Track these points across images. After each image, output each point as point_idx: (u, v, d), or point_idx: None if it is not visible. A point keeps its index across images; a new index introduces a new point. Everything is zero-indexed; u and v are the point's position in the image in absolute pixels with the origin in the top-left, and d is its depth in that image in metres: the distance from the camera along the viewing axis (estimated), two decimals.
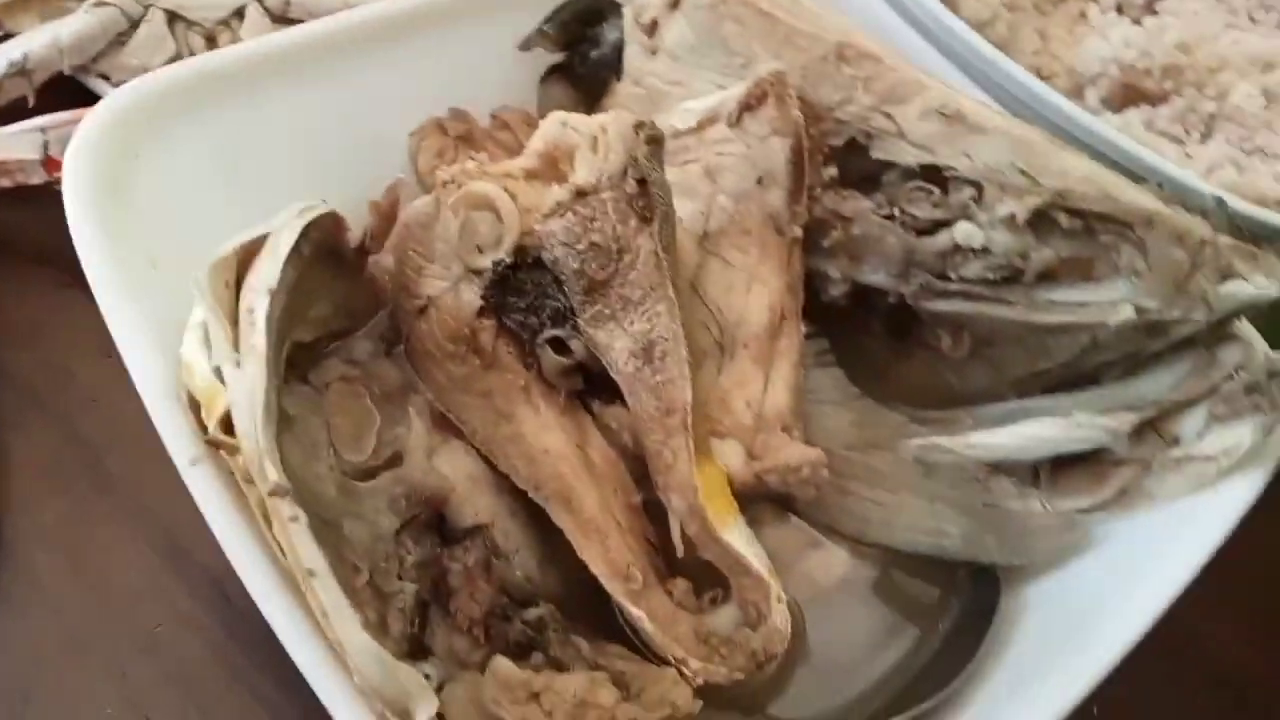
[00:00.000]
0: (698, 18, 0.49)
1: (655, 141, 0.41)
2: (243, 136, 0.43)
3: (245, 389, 0.27)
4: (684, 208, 0.46)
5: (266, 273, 0.30)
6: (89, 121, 0.38)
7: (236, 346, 0.28)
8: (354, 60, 0.47)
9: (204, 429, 0.31)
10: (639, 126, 0.41)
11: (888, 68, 0.45)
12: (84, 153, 0.37)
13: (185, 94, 0.41)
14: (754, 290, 0.44)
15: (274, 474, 0.27)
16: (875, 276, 0.46)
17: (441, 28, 0.50)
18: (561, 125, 0.42)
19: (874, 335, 0.49)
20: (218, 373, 0.28)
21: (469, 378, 0.41)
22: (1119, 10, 0.62)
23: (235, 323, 0.30)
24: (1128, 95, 0.56)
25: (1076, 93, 0.56)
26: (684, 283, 0.43)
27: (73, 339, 0.55)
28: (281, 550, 0.28)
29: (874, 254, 0.45)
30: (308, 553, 0.27)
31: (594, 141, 0.41)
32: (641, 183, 0.40)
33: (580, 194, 0.40)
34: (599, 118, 0.42)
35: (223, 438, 0.28)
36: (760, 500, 0.42)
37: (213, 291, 0.29)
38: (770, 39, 0.47)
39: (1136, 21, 0.60)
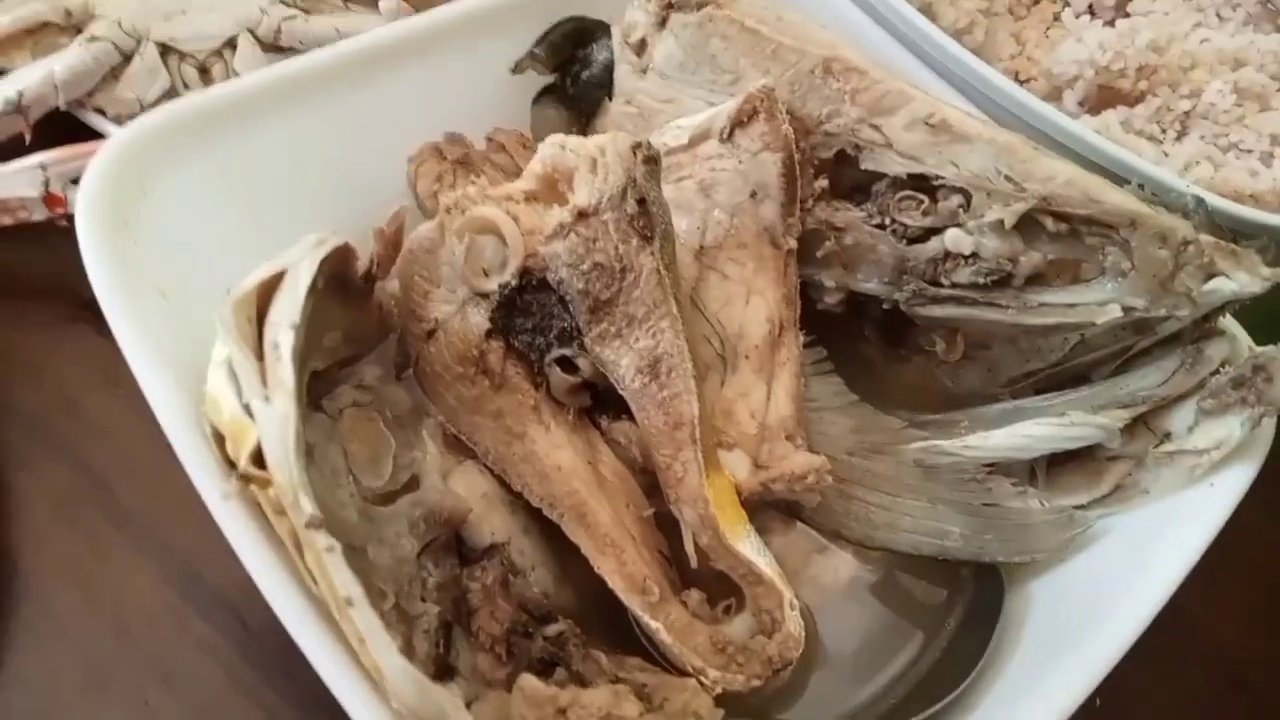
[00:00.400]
0: (685, 36, 0.50)
1: (653, 161, 0.42)
2: (245, 168, 0.44)
3: (276, 424, 0.28)
4: (680, 223, 0.47)
5: (288, 308, 0.31)
6: (97, 161, 0.39)
7: (264, 381, 0.29)
8: (350, 88, 0.48)
9: (229, 463, 0.31)
10: (636, 147, 0.42)
11: (873, 80, 0.46)
12: (94, 191, 0.38)
13: (188, 129, 0.42)
14: (752, 302, 0.45)
15: (309, 507, 0.27)
16: (869, 284, 0.47)
17: (433, 53, 0.50)
18: (560, 148, 0.43)
19: (869, 341, 0.51)
20: (246, 409, 0.29)
21: (479, 399, 0.42)
22: (1091, 12, 0.63)
23: (259, 357, 0.31)
24: (1104, 97, 0.57)
25: (1054, 96, 0.58)
26: (684, 297, 0.44)
27: (78, 372, 0.55)
28: (313, 579, 0.29)
29: (867, 262, 0.47)
30: (344, 581, 0.28)
31: (593, 163, 0.42)
32: (641, 203, 0.41)
33: (582, 215, 0.41)
34: (596, 140, 0.43)
35: (255, 472, 0.28)
36: (766, 508, 0.43)
37: (237, 328, 0.30)
38: (757, 54, 0.48)
39: (1109, 24, 0.61)
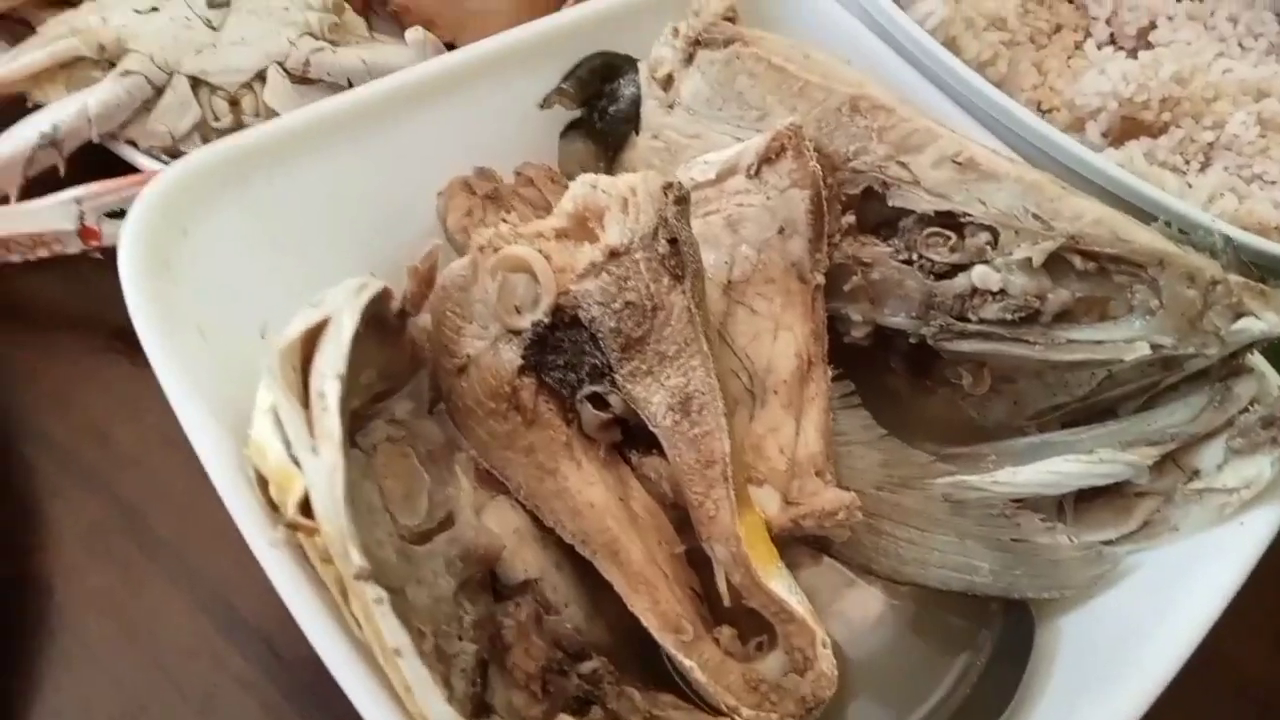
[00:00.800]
0: (712, 72, 0.51)
1: (683, 201, 0.43)
2: (281, 207, 0.45)
3: (324, 475, 0.29)
4: (708, 257, 0.47)
5: (333, 357, 0.31)
6: (139, 204, 0.39)
7: (310, 430, 0.30)
8: (383, 126, 0.48)
9: (273, 505, 0.32)
10: (668, 187, 0.43)
11: (900, 118, 0.46)
12: (137, 234, 0.39)
13: (227, 170, 0.42)
14: (780, 337, 0.46)
15: (358, 559, 0.28)
16: (896, 319, 0.47)
17: (464, 89, 0.51)
18: (591, 188, 0.44)
19: (895, 373, 0.51)
20: (294, 459, 0.29)
21: (511, 434, 0.43)
22: (1113, 41, 0.64)
23: (305, 403, 0.31)
24: (1127, 127, 0.58)
25: (1077, 127, 0.58)
26: (713, 333, 0.45)
27: (107, 401, 0.56)
28: (357, 624, 0.29)
29: (894, 297, 0.47)
30: (392, 632, 0.28)
31: (624, 203, 0.43)
32: (672, 242, 0.41)
33: (614, 255, 0.42)
34: (628, 179, 0.44)
35: (302, 520, 0.29)
36: (796, 542, 0.43)
37: (283, 376, 0.31)
38: (784, 92, 0.49)
39: (1131, 53, 0.62)
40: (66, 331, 0.58)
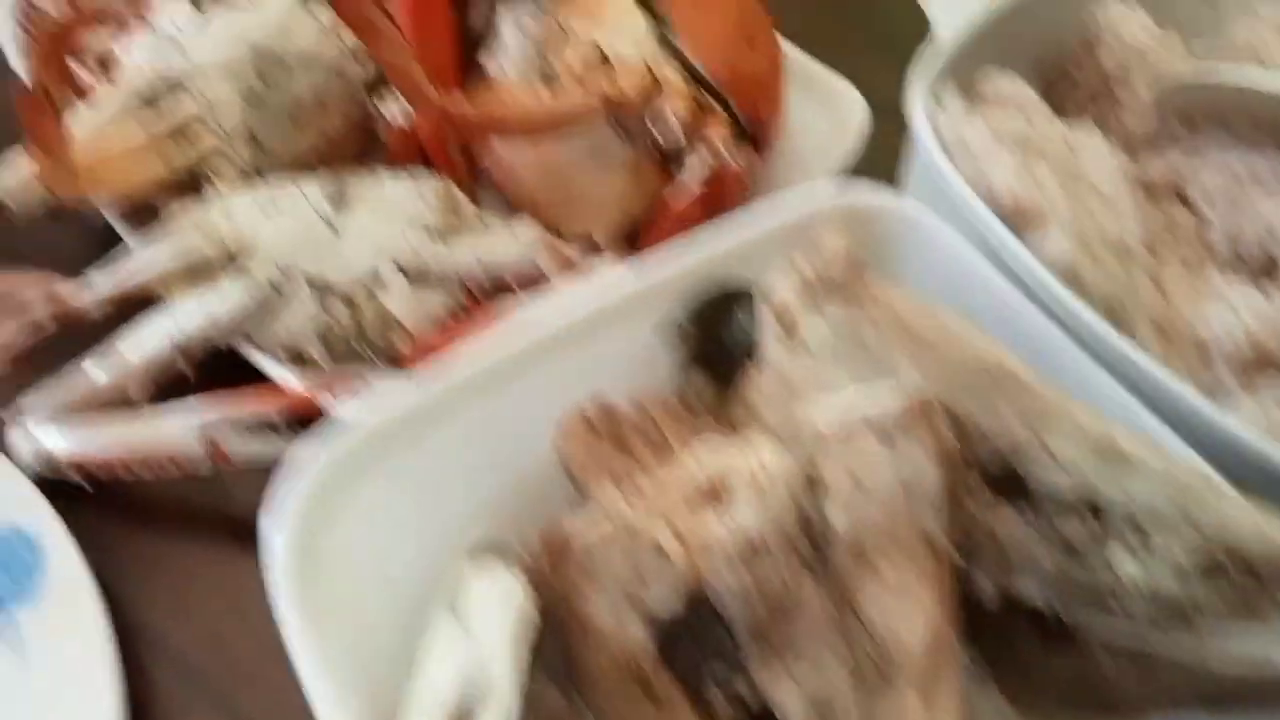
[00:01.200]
0: (838, 322, 0.50)
1: (816, 483, 0.43)
2: (413, 473, 0.45)
3: None
4: (832, 514, 0.47)
5: None
6: (289, 499, 0.40)
7: None
8: (511, 380, 0.49)
9: None
10: (800, 467, 0.43)
11: (1035, 391, 0.46)
12: (287, 530, 0.39)
13: (367, 453, 0.43)
14: (909, 609, 0.45)
15: None
16: (1029, 592, 0.46)
17: (594, 331, 0.52)
18: (718, 460, 0.44)
19: (1021, 632, 0.50)
20: None
21: (638, 714, 0.42)
22: (1236, 260, 0.62)
23: None
24: (1259, 361, 0.56)
25: (1204, 361, 0.57)
26: (844, 605, 0.44)
27: (225, 606, 0.57)
28: None
29: (1026, 567, 0.46)
30: None
31: (753, 480, 0.43)
32: (808, 534, 0.41)
33: (749, 545, 0.41)
34: (757, 452, 0.44)
35: None
36: None
37: None
38: (911, 350, 0.49)
39: (1255, 276, 0.60)
40: (184, 531, 0.59)
